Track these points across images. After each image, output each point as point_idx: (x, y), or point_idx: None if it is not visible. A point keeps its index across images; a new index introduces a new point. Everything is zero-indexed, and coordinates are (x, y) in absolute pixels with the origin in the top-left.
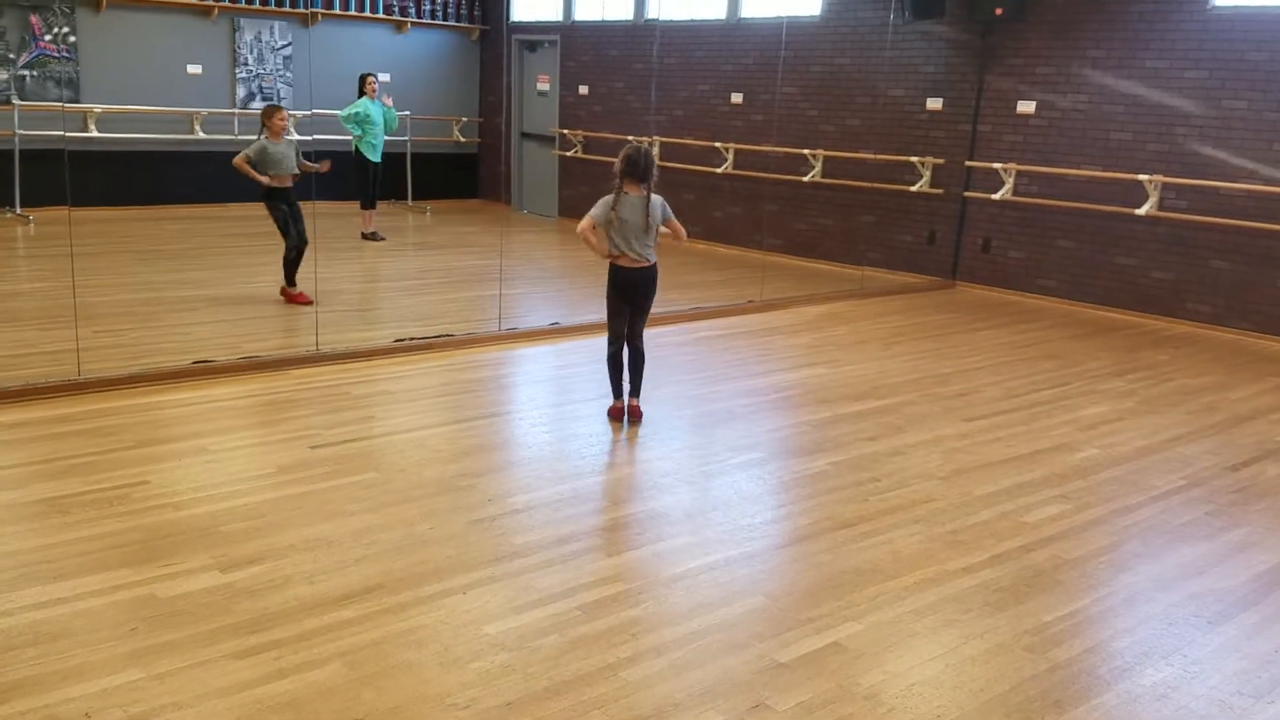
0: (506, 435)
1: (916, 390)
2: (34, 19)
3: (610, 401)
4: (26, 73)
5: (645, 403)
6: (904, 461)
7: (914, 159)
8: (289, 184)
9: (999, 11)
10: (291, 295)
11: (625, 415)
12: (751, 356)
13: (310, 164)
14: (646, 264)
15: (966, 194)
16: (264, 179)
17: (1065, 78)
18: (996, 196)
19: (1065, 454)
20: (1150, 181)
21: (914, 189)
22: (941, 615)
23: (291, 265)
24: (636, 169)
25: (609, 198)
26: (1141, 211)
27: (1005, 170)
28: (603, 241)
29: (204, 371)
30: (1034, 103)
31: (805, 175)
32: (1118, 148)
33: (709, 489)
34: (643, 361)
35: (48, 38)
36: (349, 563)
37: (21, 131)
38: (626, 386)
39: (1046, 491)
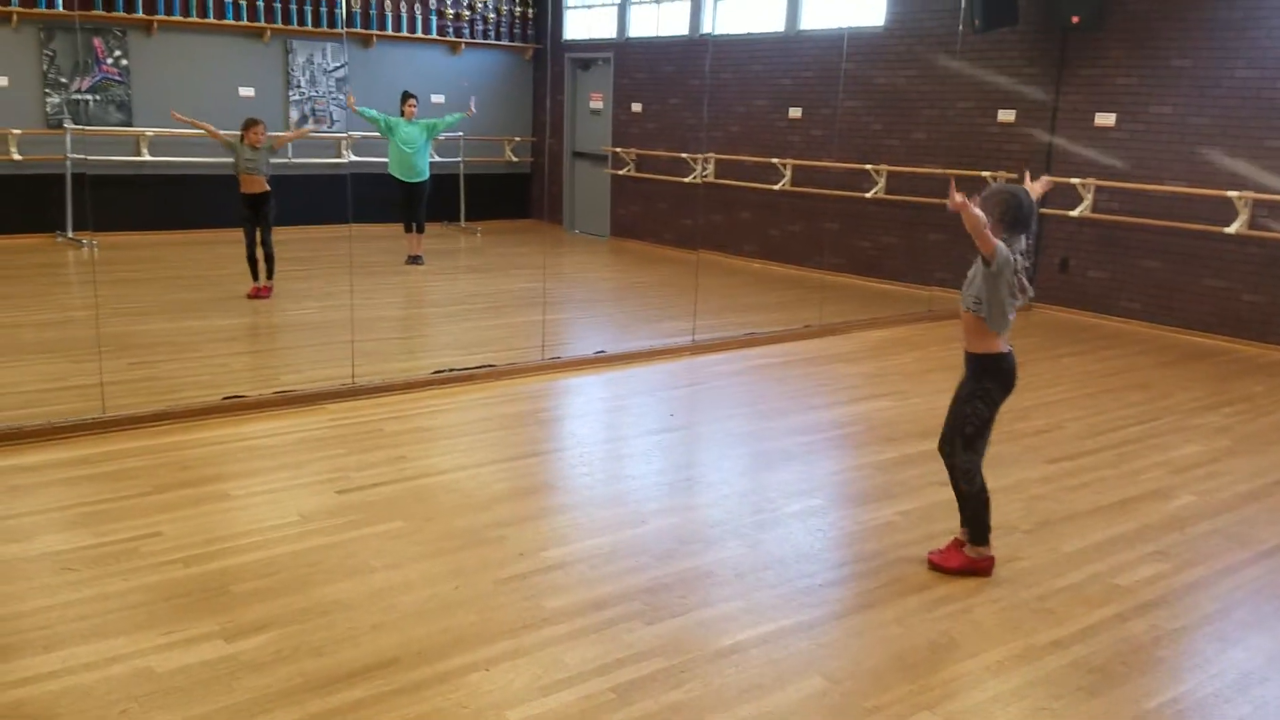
0: (544, 478)
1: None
2: (97, 42)
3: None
4: (89, 97)
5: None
6: None
7: (985, 174)
8: (255, 190)
9: (1075, 20)
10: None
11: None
12: (809, 387)
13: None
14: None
15: (1042, 210)
16: (214, 135)
17: (1148, 89)
18: (1075, 213)
19: (1159, 502)
20: (1240, 198)
21: None
22: (1029, 702)
23: (253, 261)
24: (1024, 219)
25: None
26: (1231, 230)
27: (1084, 185)
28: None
29: (234, 407)
30: (1114, 115)
31: (868, 191)
32: (1205, 162)
33: (762, 542)
34: None
35: (109, 61)
36: (363, 630)
37: (76, 156)
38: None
39: (1141, 547)
